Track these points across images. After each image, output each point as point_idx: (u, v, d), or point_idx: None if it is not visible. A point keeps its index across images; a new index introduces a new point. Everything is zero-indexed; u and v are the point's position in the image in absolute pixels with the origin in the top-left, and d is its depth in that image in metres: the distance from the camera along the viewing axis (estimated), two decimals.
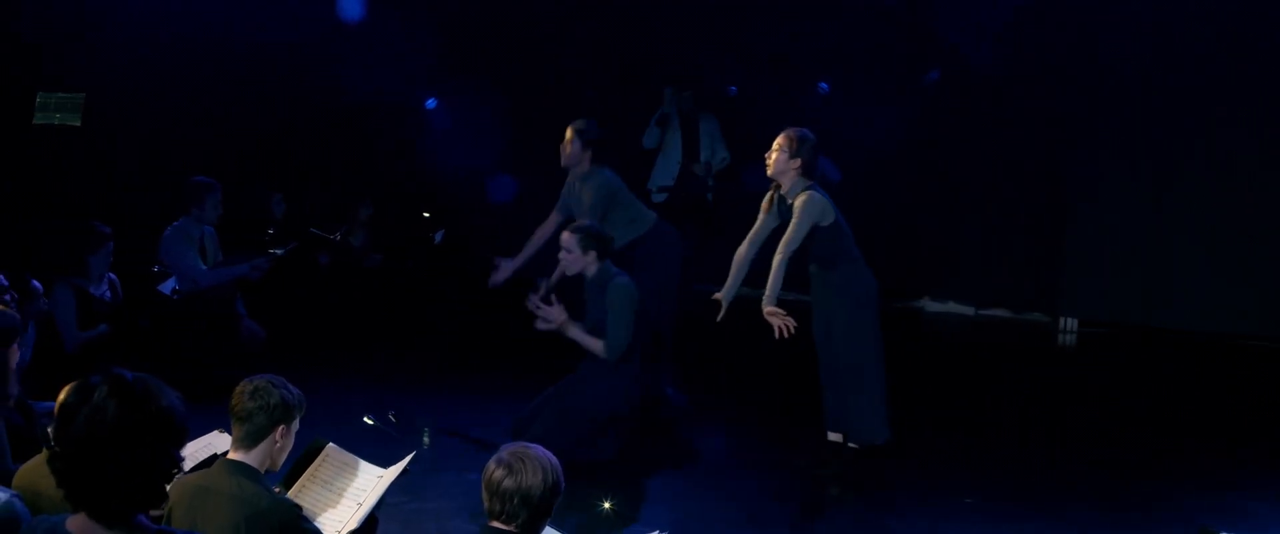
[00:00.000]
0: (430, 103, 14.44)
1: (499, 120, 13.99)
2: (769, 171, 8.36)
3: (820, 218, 8.21)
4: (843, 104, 13.93)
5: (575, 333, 8.52)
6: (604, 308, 8.46)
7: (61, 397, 4.74)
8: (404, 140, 14.23)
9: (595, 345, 8.40)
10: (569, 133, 9.58)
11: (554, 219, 9.78)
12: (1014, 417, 10.46)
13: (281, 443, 4.94)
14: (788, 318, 7.82)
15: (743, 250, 8.36)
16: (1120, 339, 13.57)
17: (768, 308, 7.88)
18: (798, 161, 8.27)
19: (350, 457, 5.60)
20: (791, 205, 8.22)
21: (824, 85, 14.43)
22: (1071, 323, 14.06)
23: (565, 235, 8.61)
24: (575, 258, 8.55)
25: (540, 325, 8.62)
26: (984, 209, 14.43)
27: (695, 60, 14.03)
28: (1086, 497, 8.34)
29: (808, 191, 8.20)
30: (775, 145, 8.34)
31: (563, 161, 9.69)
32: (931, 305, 14.99)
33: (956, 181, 14.48)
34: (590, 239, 8.54)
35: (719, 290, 8.23)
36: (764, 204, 8.48)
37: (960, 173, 14.45)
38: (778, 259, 8.04)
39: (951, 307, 14.91)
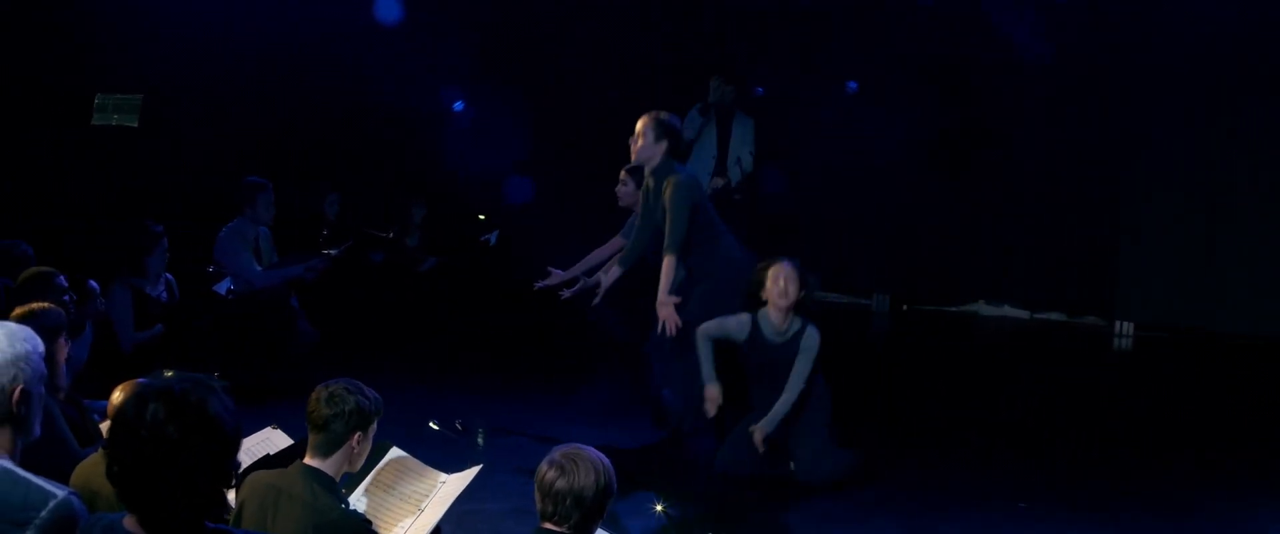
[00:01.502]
0: (458, 105, 14.46)
1: (519, 122, 13.98)
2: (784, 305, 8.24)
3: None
4: (880, 105, 13.87)
5: (615, 273, 8.65)
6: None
7: (114, 398, 4.78)
8: (437, 143, 14.25)
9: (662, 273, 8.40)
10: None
11: (616, 242, 9.46)
12: (1069, 421, 10.38)
13: (359, 448, 4.94)
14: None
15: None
16: (1177, 343, 13.45)
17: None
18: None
19: (414, 461, 5.59)
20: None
21: (852, 84, 14.36)
22: (1127, 327, 13.95)
23: (641, 121, 8.55)
24: (646, 146, 8.53)
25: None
26: (1039, 212, 14.33)
27: (720, 60, 14.00)
28: (1140, 502, 8.28)
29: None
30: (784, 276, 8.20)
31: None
32: (986, 309, 14.92)
33: (1011, 184, 14.39)
34: (663, 129, 8.51)
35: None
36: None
37: (1015, 175, 14.35)
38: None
39: (1006, 310, 14.83)
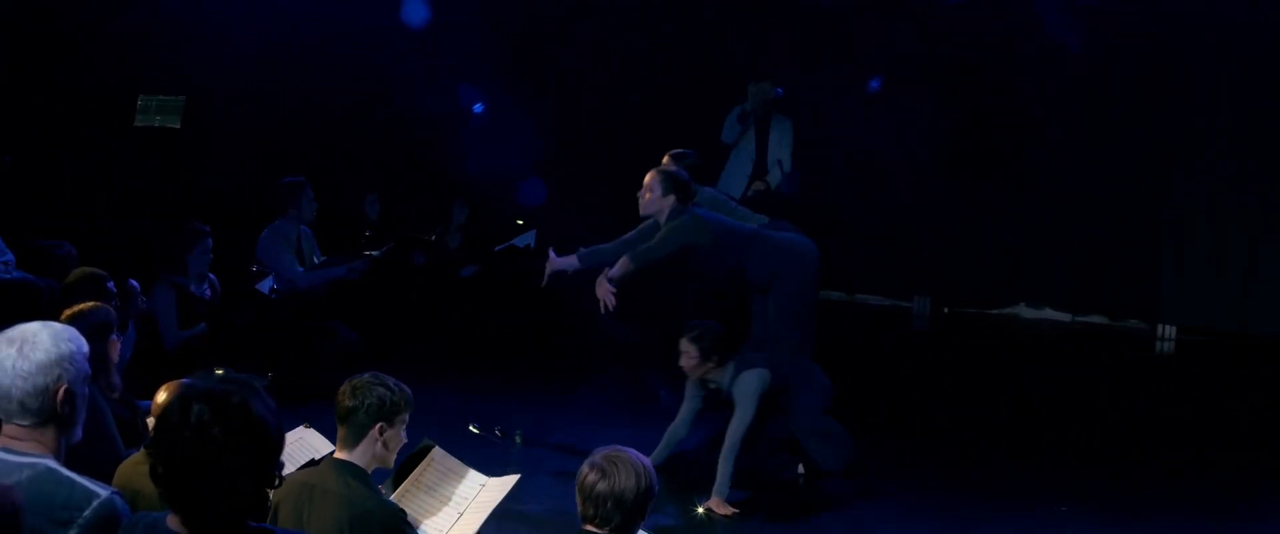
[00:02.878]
0: (477, 107, 14.47)
1: (539, 124, 13.98)
2: (697, 378, 8.07)
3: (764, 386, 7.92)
4: (918, 105, 13.81)
5: (585, 259, 8.55)
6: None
7: (158, 398, 4.80)
8: (467, 145, 14.24)
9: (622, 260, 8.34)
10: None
11: None
12: (1110, 425, 10.34)
13: (385, 440, 4.94)
14: None
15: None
16: (1220, 347, 13.35)
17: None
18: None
19: (455, 462, 5.59)
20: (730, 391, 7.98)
21: (875, 82, 14.30)
22: (1170, 330, 13.85)
23: (648, 175, 8.47)
24: (654, 200, 8.46)
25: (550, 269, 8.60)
26: (1081, 214, 14.24)
27: (740, 61, 13.99)
28: (1181, 506, 8.26)
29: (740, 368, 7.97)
30: (687, 354, 7.96)
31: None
32: (1027, 312, 14.84)
33: (1052, 186, 14.31)
34: (671, 182, 8.43)
35: None
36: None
37: (1057, 177, 14.27)
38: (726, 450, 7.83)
39: (1048, 313, 14.74)
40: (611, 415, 9.70)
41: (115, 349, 6.19)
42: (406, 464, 5.46)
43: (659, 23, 14.92)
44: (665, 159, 9.65)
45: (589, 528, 4.47)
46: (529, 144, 13.79)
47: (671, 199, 8.50)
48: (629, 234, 8.75)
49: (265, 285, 10.49)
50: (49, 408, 3.77)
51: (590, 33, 14.71)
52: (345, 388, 4.95)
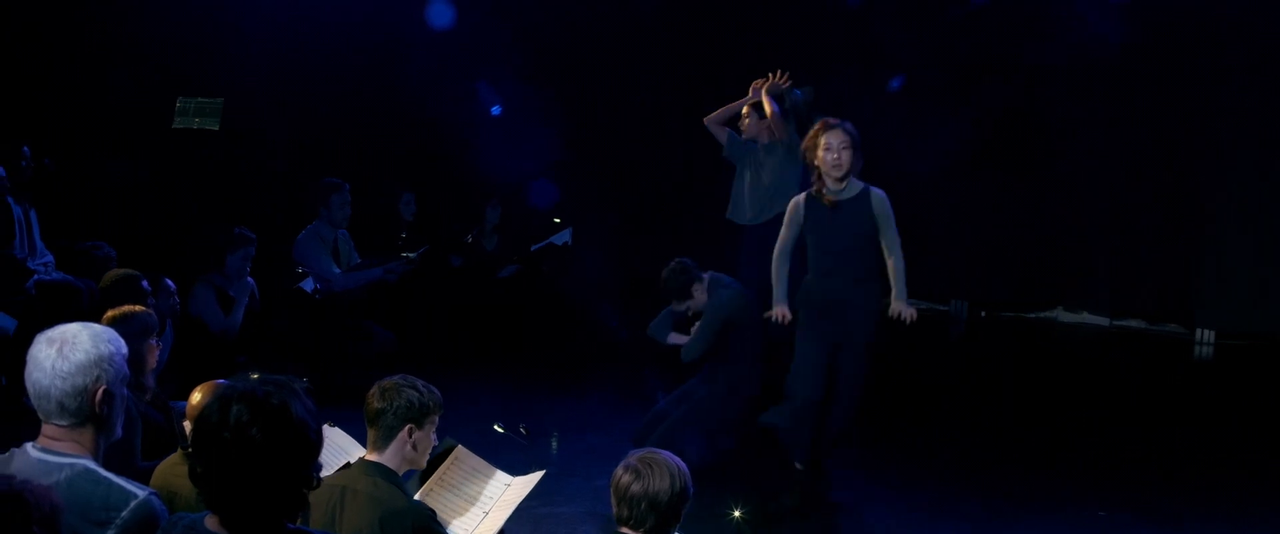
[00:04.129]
0: (495, 109, 14.48)
1: (557, 125, 13.99)
2: (840, 175, 7.75)
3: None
4: (951, 107, 13.75)
5: (673, 337, 8.55)
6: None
7: (193, 399, 4.82)
8: (491, 146, 14.25)
9: (679, 340, 8.40)
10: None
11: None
12: (1146, 430, 10.28)
13: (414, 442, 4.93)
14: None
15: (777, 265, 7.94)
16: (1259, 352, 13.25)
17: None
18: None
19: (480, 461, 5.59)
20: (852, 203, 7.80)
21: (895, 82, 14.21)
22: (1208, 335, 13.75)
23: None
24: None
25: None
26: (1119, 218, 14.16)
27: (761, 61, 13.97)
28: (1218, 512, 8.19)
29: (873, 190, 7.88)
30: (837, 143, 7.76)
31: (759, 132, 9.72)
32: (1065, 316, 14.77)
33: (1089, 189, 14.23)
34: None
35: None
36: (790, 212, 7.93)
37: (1094, 180, 14.19)
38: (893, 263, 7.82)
39: (1086, 317, 14.67)
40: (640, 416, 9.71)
41: (154, 353, 6.22)
42: (430, 464, 5.47)
43: (674, 24, 14.92)
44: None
45: (624, 530, 4.47)
46: (552, 144, 13.81)
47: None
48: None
49: (308, 284, 10.53)
50: (87, 409, 3.79)
51: (604, 33, 14.74)
52: (374, 390, 4.96)
